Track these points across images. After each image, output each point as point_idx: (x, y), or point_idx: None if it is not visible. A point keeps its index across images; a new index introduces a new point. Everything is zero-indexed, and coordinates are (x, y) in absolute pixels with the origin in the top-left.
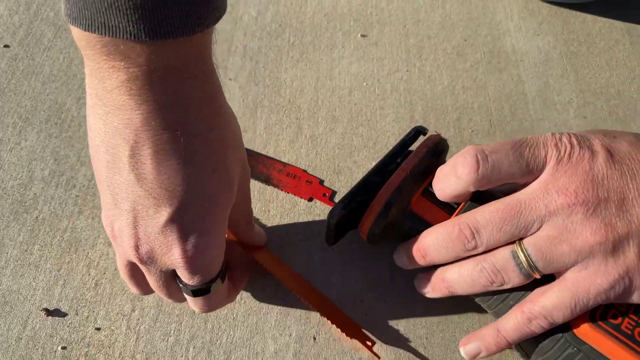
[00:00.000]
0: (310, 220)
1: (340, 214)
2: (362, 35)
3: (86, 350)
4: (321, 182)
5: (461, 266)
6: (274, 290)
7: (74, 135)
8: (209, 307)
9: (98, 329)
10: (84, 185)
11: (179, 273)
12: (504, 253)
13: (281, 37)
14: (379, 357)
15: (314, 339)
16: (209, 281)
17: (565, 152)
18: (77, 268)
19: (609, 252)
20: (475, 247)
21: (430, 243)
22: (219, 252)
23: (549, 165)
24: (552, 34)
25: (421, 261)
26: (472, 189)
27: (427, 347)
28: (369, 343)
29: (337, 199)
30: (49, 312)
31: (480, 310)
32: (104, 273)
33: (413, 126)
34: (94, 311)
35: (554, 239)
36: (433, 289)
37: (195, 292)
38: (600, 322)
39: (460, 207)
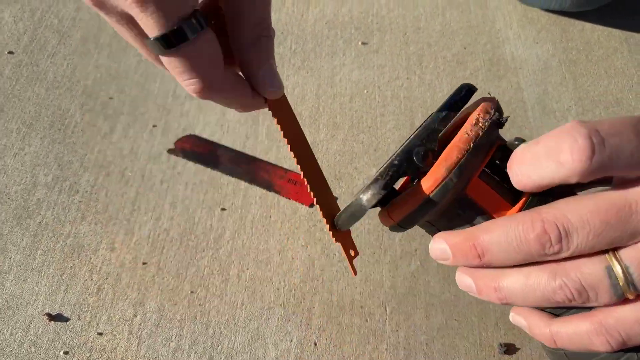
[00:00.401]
0: (311, 226)
1: (379, 196)
2: (363, 43)
3: (88, 355)
4: None
5: (528, 276)
6: (276, 295)
7: (77, 141)
8: (200, 75)
9: (100, 334)
10: (86, 191)
11: (135, 18)
12: (596, 267)
13: (283, 45)
14: (355, 273)
15: (315, 344)
16: (176, 22)
17: None
18: (79, 273)
19: None
20: (558, 253)
21: (494, 240)
22: None
23: None
24: (551, 42)
25: (475, 261)
26: (573, 181)
27: (427, 354)
28: (352, 253)
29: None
30: (52, 317)
31: (481, 316)
32: (107, 278)
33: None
34: (96, 316)
35: None
36: (480, 293)
37: (165, 41)
38: None
39: (525, 197)
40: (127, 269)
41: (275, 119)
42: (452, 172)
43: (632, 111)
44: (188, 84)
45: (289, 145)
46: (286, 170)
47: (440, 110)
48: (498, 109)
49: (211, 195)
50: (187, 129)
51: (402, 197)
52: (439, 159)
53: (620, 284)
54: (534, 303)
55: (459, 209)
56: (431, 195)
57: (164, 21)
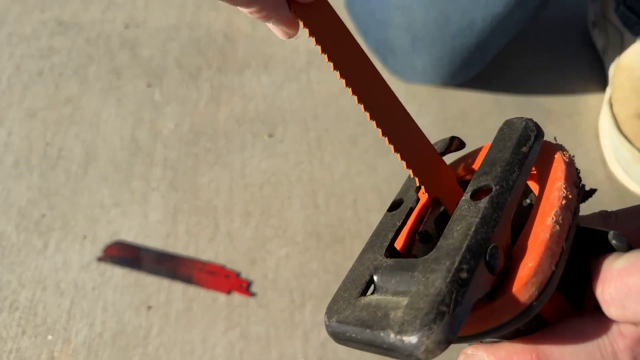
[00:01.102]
0: (229, 312)
1: (445, 346)
2: (269, 135)
3: None
4: (238, 274)
5: None
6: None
7: (15, 260)
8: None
9: None
10: (26, 307)
11: None
12: None
13: (197, 145)
14: None
15: None
16: None
17: None
18: None
19: None
20: None
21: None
22: None
23: None
24: (431, 114)
25: None
26: None
27: None
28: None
29: (253, 288)
30: None
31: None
32: None
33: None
34: None
35: None
36: None
37: None
38: None
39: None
40: None
41: (308, 30)
42: (544, 292)
43: None
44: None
45: (337, 72)
46: (204, 263)
47: (508, 172)
48: (578, 172)
49: (138, 296)
50: (114, 235)
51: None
52: (525, 268)
53: None
54: None
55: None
56: (504, 322)
57: None
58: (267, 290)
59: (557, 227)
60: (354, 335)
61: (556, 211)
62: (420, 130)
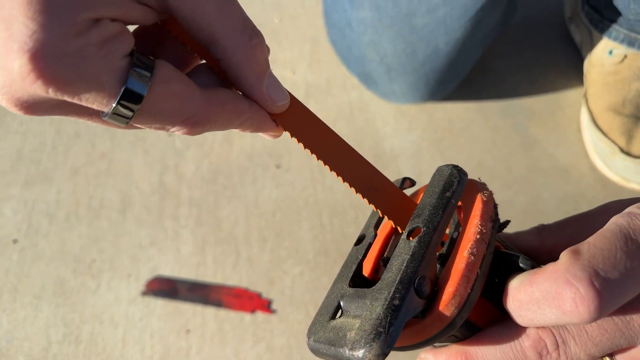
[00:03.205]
0: (255, 328)
1: (385, 353)
2: (277, 166)
3: None
4: (260, 295)
5: None
6: None
7: (75, 300)
8: (179, 120)
9: None
10: (88, 339)
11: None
12: None
13: (215, 182)
14: None
15: None
16: (117, 85)
17: None
18: None
19: None
20: None
21: (488, 353)
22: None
23: None
24: (421, 128)
25: None
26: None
27: None
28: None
29: (273, 306)
30: None
31: None
32: None
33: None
34: None
35: None
36: None
37: (120, 112)
38: None
39: None
40: None
41: (289, 133)
42: (462, 310)
43: (491, 169)
44: (175, 132)
45: (314, 155)
46: (231, 287)
47: (432, 213)
48: (495, 207)
49: (178, 322)
50: (154, 271)
51: (404, 331)
52: (446, 292)
53: None
54: None
55: (462, 330)
56: (433, 335)
57: (107, 91)
58: (285, 305)
59: (472, 257)
60: (324, 351)
61: (472, 244)
62: (384, 177)
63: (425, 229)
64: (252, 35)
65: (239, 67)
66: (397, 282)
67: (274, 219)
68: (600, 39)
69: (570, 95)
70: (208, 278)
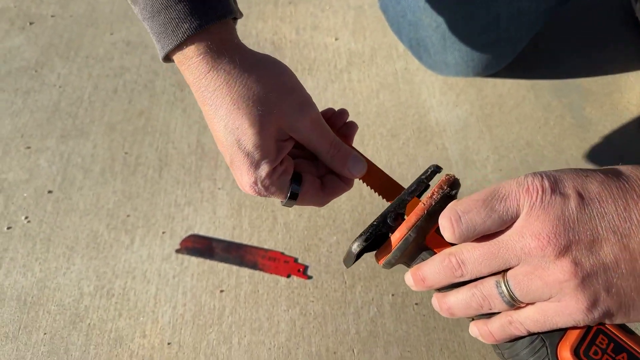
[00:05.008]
0: (290, 292)
1: (362, 245)
2: None
3: None
4: (295, 260)
5: (458, 292)
6: (268, 354)
7: (107, 254)
8: (316, 203)
9: None
10: (120, 294)
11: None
12: (490, 282)
13: None
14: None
15: None
16: (286, 194)
17: (537, 198)
18: (123, 359)
19: (578, 288)
20: (462, 275)
21: (427, 270)
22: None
23: (522, 212)
24: (469, 102)
25: (420, 285)
26: (457, 243)
27: None
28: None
29: (309, 272)
30: None
31: (428, 346)
32: (143, 359)
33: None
34: None
35: (530, 274)
36: (441, 311)
37: (290, 199)
38: (582, 357)
39: None
40: (157, 350)
41: (368, 185)
42: (411, 230)
43: (541, 149)
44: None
45: (382, 197)
46: (266, 250)
47: (411, 186)
48: (452, 185)
49: (212, 281)
50: (189, 230)
51: (381, 247)
52: (404, 222)
53: (506, 294)
54: (464, 311)
55: (423, 254)
56: (397, 246)
57: (283, 195)
58: (321, 273)
59: (422, 204)
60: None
61: (424, 198)
62: (401, 186)
63: (404, 191)
64: (336, 148)
65: (331, 164)
66: (379, 215)
67: None
68: None
69: (630, 78)
70: (244, 241)
